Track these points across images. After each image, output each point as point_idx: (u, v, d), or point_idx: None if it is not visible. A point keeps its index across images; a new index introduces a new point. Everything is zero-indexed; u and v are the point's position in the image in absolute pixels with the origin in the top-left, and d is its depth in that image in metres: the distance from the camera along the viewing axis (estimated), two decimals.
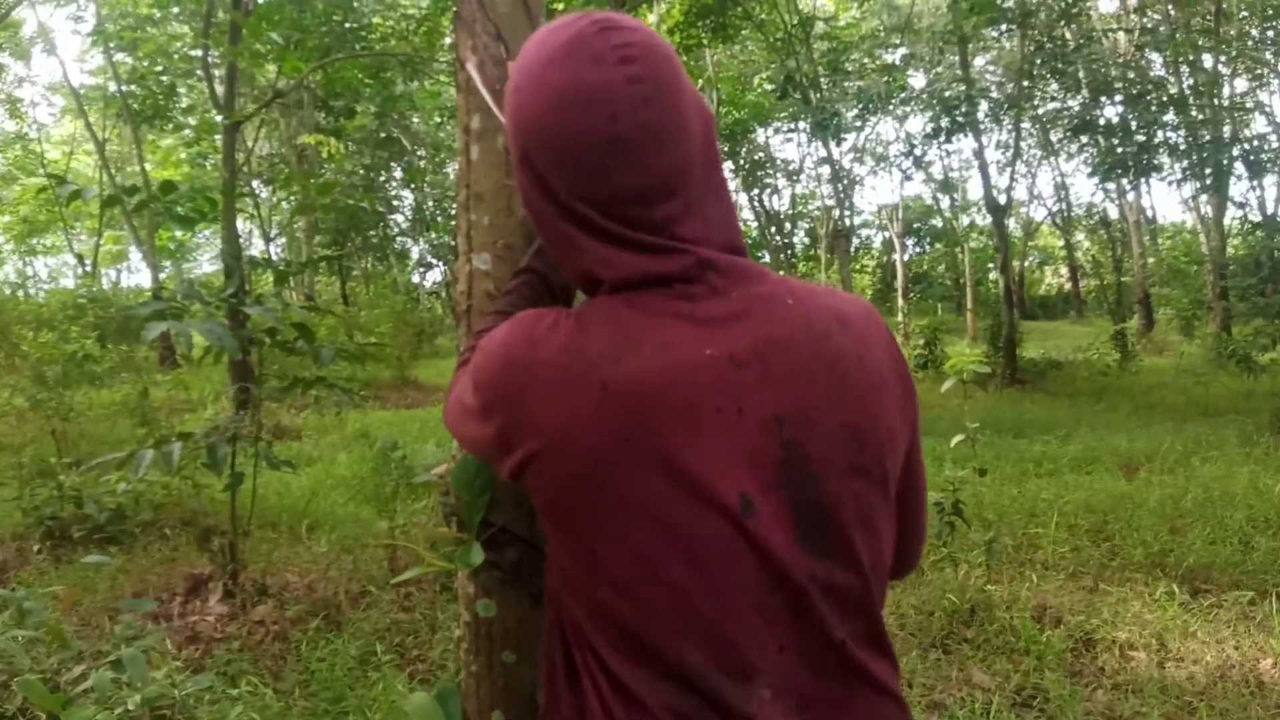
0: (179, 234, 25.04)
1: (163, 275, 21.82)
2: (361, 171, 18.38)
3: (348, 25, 11.23)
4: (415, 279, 29.01)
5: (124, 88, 16.08)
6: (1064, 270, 32.89)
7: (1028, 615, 3.83)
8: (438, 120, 21.32)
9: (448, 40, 12.08)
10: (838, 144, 12.44)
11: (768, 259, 35.30)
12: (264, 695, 3.09)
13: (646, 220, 0.88)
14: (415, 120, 19.99)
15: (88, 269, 25.29)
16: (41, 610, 3.01)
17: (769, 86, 16.34)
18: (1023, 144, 18.96)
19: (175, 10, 14.78)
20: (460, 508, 1.32)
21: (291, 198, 18.25)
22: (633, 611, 0.88)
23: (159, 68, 15.96)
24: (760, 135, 26.67)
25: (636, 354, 0.86)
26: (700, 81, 18.24)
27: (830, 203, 21.60)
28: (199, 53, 12.14)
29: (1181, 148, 12.46)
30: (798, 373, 0.88)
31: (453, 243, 27.91)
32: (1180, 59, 13.70)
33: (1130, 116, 12.99)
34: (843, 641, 0.90)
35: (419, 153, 23.60)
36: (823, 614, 0.89)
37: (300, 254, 19.40)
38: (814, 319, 0.90)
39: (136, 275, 35.81)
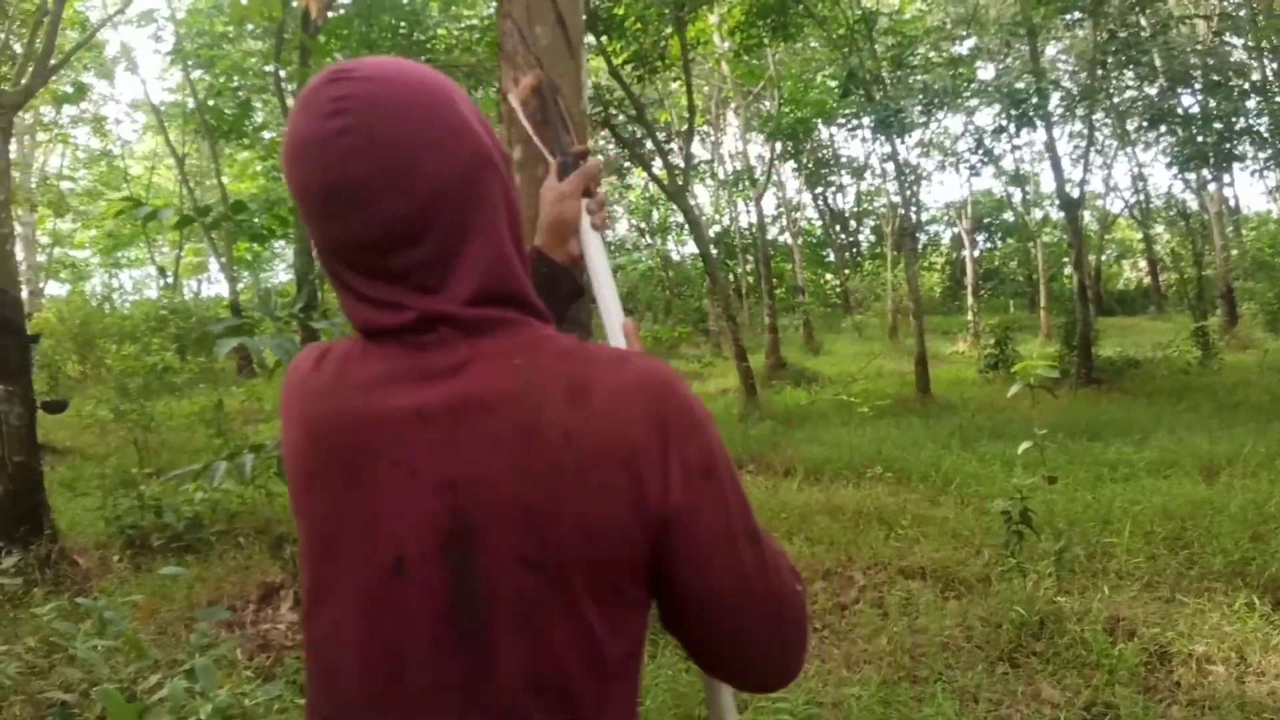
0: (255, 245, 25.80)
1: (240, 285, 22.53)
2: None
3: (415, 37, 11.46)
4: None
5: (201, 104, 16.67)
6: (1143, 264, 31.86)
7: (1100, 628, 3.73)
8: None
9: None
10: (902, 140, 12.26)
11: (832, 257, 35.03)
12: None
13: (383, 269, 0.85)
14: None
15: (169, 281, 26.24)
16: (120, 620, 3.14)
17: (832, 83, 16.18)
18: (1097, 134, 18.44)
19: (250, 27, 15.26)
20: None
21: None
22: (307, 636, 0.93)
23: (235, 84, 16.51)
24: (824, 133, 26.43)
25: (338, 396, 0.87)
26: (762, 81, 18.17)
27: (896, 199, 21.31)
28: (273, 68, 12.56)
29: (1265, 136, 11.99)
30: (484, 439, 0.81)
31: None
32: (1262, 44, 13.17)
33: (1210, 105, 12.54)
34: None
35: None
36: (453, 704, 0.83)
37: None
38: (534, 385, 0.82)
39: (216, 285, 37.04)
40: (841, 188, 34.08)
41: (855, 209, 35.13)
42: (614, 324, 1.14)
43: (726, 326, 11.81)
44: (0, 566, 4.07)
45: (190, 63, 16.64)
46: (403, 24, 11.23)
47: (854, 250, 35.21)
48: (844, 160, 31.69)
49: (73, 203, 23.11)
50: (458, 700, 0.83)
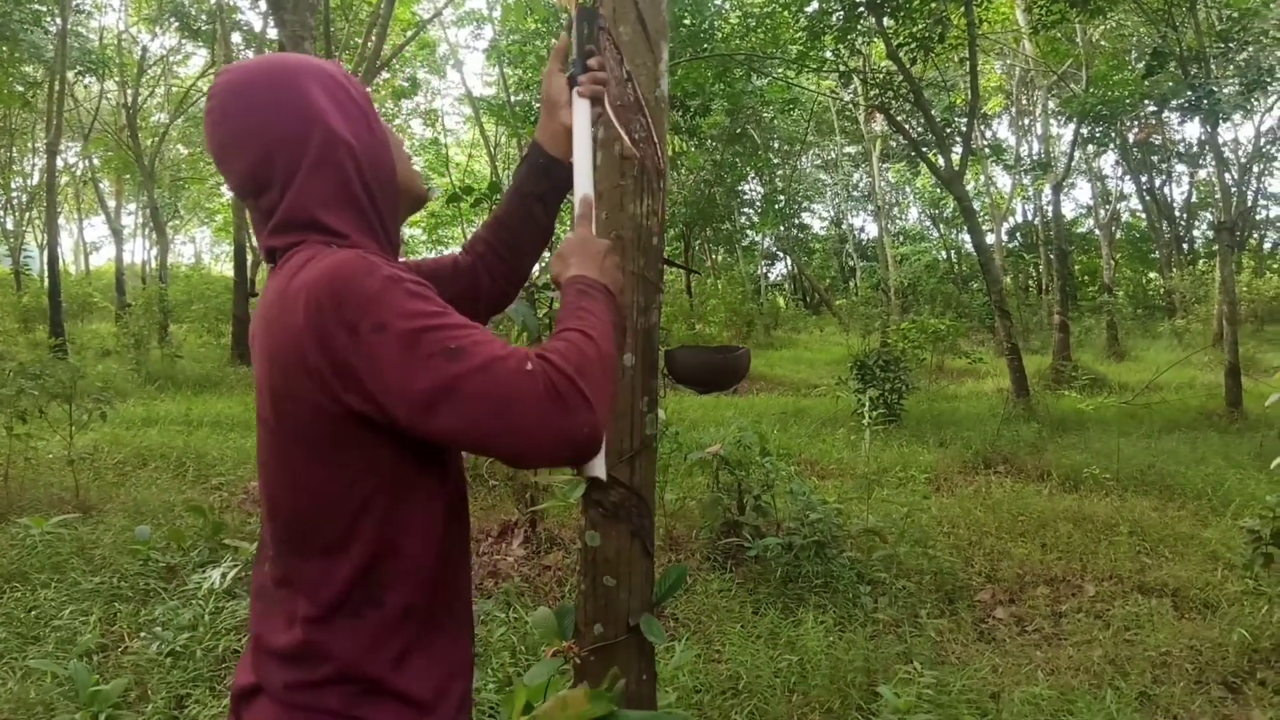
0: None
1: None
2: (710, 166, 19.22)
3: (691, 24, 11.85)
4: (763, 271, 29.75)
5: (513, 97, 18.26)
6: None
7: None
8: (794, 114, 21.66)
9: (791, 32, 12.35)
10: (1216, 125, 10.87)
11: (1157, 255, 31.54)
12: (526, 622, 3.58)
13: (257, 209, 1.17)
14: (767, 114, 20.49)
15: None
16: None
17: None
18: None
19: (563, 21, 16.49)
20: None
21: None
22: None
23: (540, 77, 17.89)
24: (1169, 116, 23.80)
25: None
26: (1069, 60, 16.85)
27: (1232, 191, 18.83)
28: None
29: None
30: (255, 335, 1.13)
31: (800, 235, 27.82)
32: None
33: None
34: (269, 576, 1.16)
35: (774, 146, 24.16)
36: (265, 543, 1.17)
37: None
38: (276, 290, 1.09)
39: None
40: (1171, 176, 30.62)
41: (1189, 200, 31.43)
42: (579, 193, 1.35)
43: (1000, 323, 11.19)
44: None
45: (505, 59, 18.25)
46: (685, 15, 11.68)
47: (1184, 247, 31.53)
48: (1175, 146, 28.44)
49: None
50: (266, 526, 1.20)
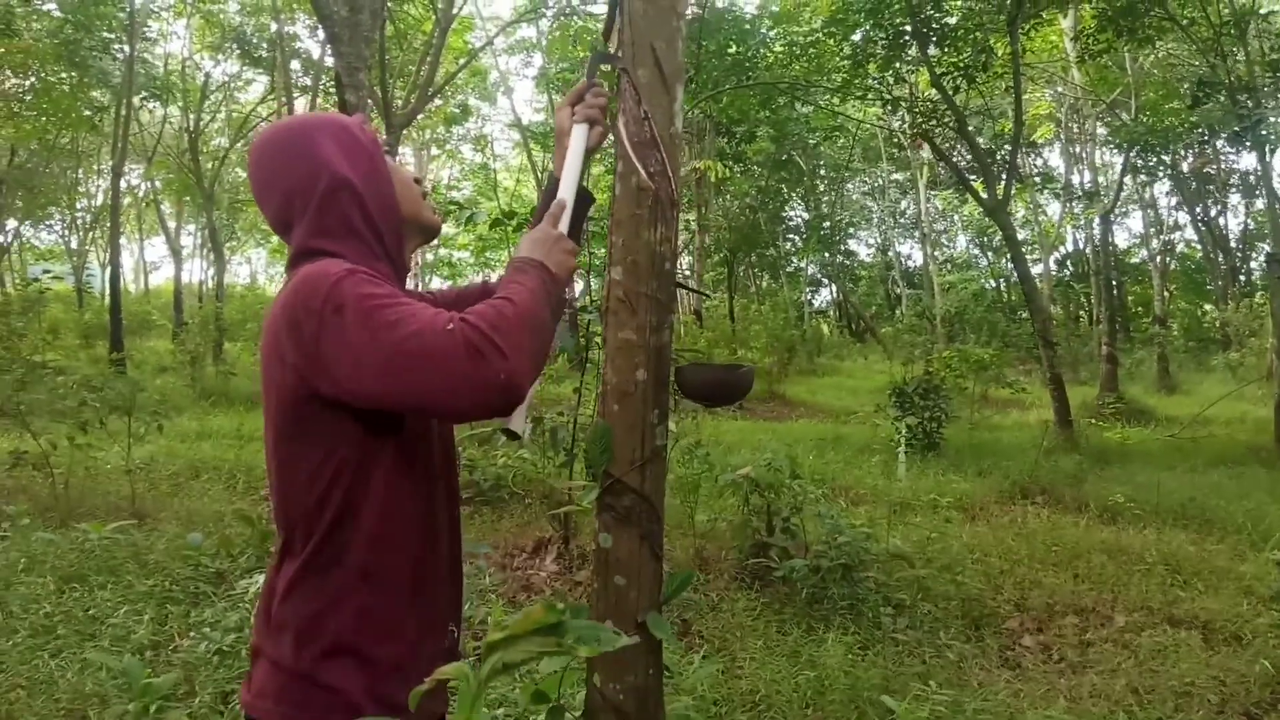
0: None
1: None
2: (754, 192, 19.33)
3: (737, 51, 12.01)
4: (808, 297, 29.69)
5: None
6: None
7: None
8: (840, 141, 21.71)
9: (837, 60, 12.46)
10: (1265, 155, 10.75)
11: (1211, 287, 30.87)
12: None
13: (288, 244, 1.37)
14: (812, 140, 20.57)
15: None
16: None
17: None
18: None
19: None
20: (590, 462, 1.70)
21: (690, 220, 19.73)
22: None
23: None
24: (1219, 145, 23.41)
25: None
26: (1119, 88, 16.72)
27: None
28: None
29: None
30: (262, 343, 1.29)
31: (846, 261, 27.89)
32: None
33: None
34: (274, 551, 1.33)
35: (820, 172, 24.25)
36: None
37: (692, 271, 20.91)
38: (277, 302, 1.26)
39: None
40: (1226, 206, 30.01)
41: (1245, 231, 30.76)
42: (558, 197, 1.52)
43: (1044, 353, 11.11)
44: None
45: (553, 86, 18.61)
46: (731, 44, 11.86)
47: (1239, 279, 30.83)
48: (1228, 175, 27.92)
49: (452, 209, 26.61)
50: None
